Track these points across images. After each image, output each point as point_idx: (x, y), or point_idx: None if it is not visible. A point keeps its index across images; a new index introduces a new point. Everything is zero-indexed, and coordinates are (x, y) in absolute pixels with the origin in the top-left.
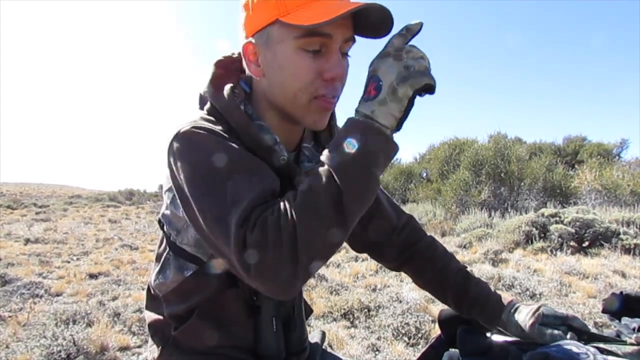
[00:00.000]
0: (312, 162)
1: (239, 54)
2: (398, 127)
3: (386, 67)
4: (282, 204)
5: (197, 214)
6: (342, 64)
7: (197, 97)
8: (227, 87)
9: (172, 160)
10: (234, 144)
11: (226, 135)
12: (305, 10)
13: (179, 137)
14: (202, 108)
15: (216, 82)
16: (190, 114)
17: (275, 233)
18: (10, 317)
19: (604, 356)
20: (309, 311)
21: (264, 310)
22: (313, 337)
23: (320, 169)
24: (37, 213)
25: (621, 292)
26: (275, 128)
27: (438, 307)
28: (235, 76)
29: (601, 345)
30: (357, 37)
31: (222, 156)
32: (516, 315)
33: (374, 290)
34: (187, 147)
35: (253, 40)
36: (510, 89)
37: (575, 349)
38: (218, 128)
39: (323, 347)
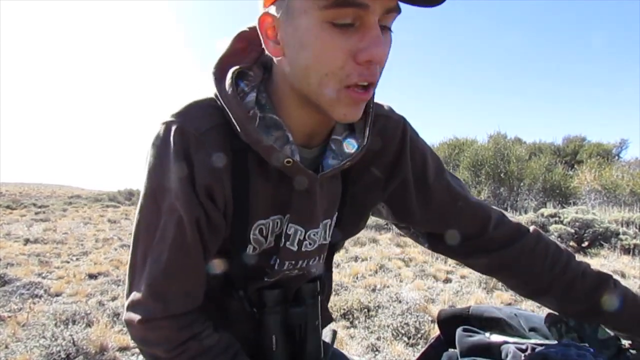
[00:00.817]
0: (339, 158)
1: None
2: None
3: None
4: (183, 343)
5: (135, 214)
6: (382, 42)
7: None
8: (230, 74)
9: (148, 149)
10: (195, 184)
11: (209, 149)
12: None
13: (159, 130)
14: None
15: (228, 61)
16: (197, 94)
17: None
18: (9, 317)
19: (602, 357)
20: (328, 319)
21: (263, 325)
22: (325, 336)
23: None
24: (36, 213)
25: None
26: (297, 119)
27: (438, 307)
28: (256, 52)
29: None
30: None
31: (177, 193)
32: None
33: (373, 290)
34: (155, 153)
35: (271, 11)
36: (510, 89)
37: (573, 350)
38: (209, 123)
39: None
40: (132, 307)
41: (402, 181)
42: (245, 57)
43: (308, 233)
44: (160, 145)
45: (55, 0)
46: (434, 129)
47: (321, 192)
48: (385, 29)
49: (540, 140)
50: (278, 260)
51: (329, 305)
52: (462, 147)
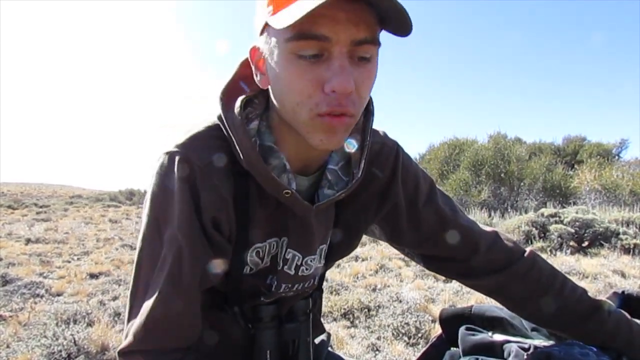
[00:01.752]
0: (335, 189)
1: None
2: None
3: None
4: None
5: (138, 242)
6: (346, 74)
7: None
8: (238, 103)
9: (151, 178)
10: (201, 215)
11: (211, 179)
12: (292, 4)
13: (162, 159)
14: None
15: (234, 87)
16: (199, 120)
17: None
18: (11, 316)
19: (605, 356)
20: (321, 331)
21: (258, 340)
22: (319, 340)
23: None
24: (37, 213)
25: (623, 292)
26: (291, 147)
27: (438, 307)
28: None
29: None
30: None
31: (180, 223)
32: None
33: (374, 290)
34: (159, 183)
35: (259, 44)
36: (510, 88)
37: (576, 349)
38: (213, 152)
39: (328, 348)
40: (125, 336)
41: (394, 205)
42: (252, 84)
43: (305, 259)
44: (164, 175)
45: (56, 0)
46: (434, 129)
47: (317, 220)
48: (363, 60)
49: (540, 140)
50: (275, 282)
51: (328, 305)
52: (463, 147)
